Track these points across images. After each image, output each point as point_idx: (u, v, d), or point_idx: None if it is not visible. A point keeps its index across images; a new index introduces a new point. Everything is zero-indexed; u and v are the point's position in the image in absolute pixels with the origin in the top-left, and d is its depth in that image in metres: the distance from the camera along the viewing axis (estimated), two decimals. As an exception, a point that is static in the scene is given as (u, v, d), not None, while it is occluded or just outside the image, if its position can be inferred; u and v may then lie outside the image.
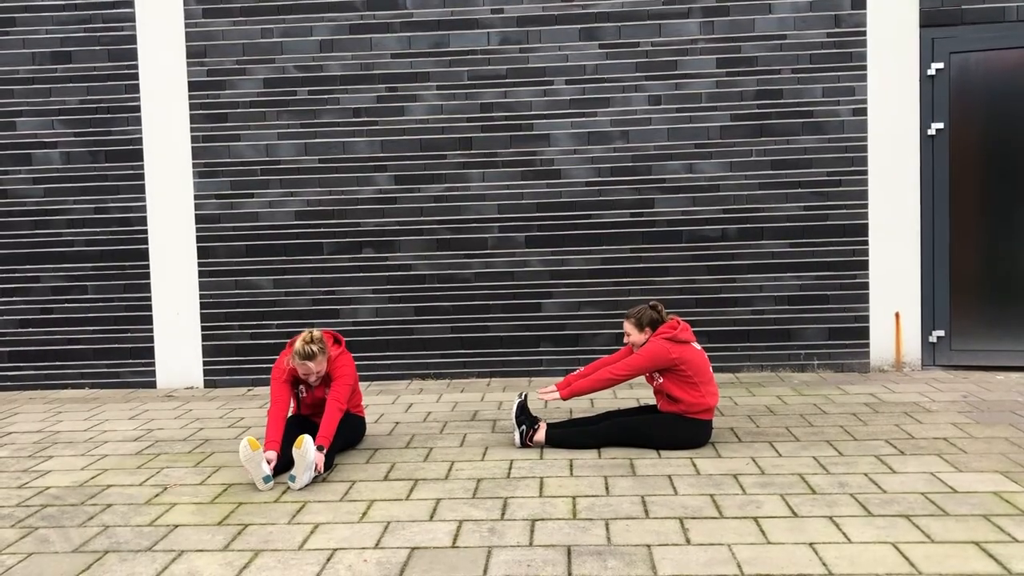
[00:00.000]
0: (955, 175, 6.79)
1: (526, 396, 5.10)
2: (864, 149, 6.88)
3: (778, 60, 6.89)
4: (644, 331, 4.93)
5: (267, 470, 4.37)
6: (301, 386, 4.94)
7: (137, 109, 7.17)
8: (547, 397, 4.97)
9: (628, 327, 4.98)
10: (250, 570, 3.37)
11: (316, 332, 4.76)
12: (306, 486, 4.37)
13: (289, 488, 4.35)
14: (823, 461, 4.54)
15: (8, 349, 7.31)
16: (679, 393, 4.81)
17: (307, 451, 4.33)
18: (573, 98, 7.00)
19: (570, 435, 4.94)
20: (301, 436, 4.36)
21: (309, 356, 4.66)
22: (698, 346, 4.92)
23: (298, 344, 4.67)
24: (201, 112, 7.13)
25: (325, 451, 4.51)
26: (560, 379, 5.31)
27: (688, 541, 3.52)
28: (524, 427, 4.94)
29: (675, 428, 4.83)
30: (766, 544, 3.46)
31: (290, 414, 4.89)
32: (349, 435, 4.98)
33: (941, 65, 6.74)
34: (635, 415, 5.07)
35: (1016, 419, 5.28)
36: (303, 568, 3.37)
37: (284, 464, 4.50)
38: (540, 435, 4.92)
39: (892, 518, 3.70)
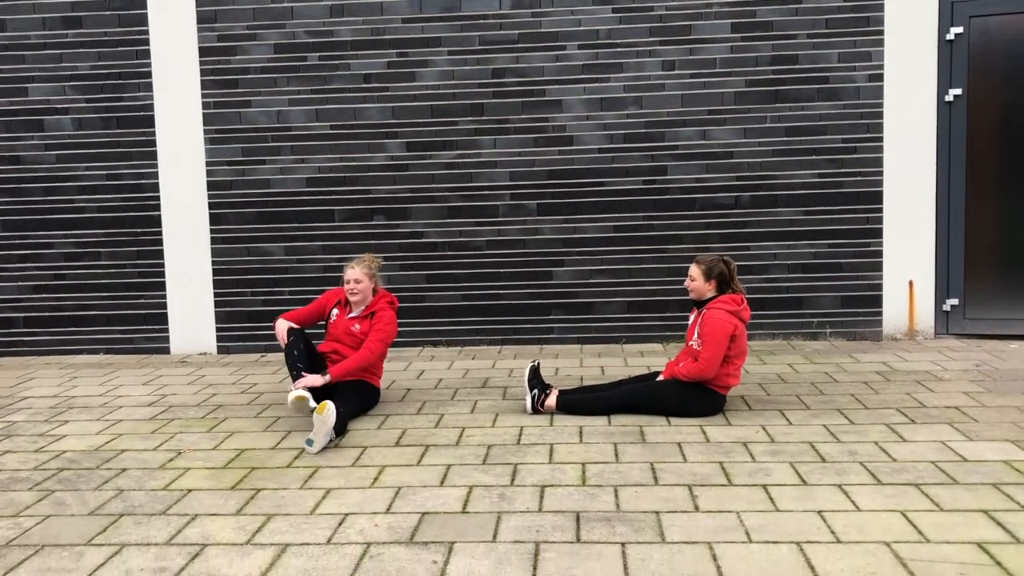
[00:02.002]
0: (972, 142, 6.70)
1: (539, 362, 5.11)
2: (880, 116, 6.79)
3: (794, 25, 6.79)
4: (709, 283, 4.86)
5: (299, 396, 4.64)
6: (335, 310, 5.23)
7: (148, 75, 7.15)
8: (550, 399, 4.96)
9: (695, 272, 4.88)
10: (263, 534, 3.41)
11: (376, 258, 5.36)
12: (321, 451, 4.41)
13: (304, 452, 4.39)
14: (833, 429, 4.54)
15: (23, 315, 7.37)
16: None
17: (328, 418, 4.38)
18: (586, 63, 6.93)
19: (582, 401, 4.95)
20: (324, 402, 4.42)
21: (359, 261, 5.17)
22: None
23: (349, 264, 5.19)
24: (212, 78, 7.10)
25: (330, 380, 4.87)
26: (575, 347, 5.28)
27: (697, 508, 3.54)
28: (536, 392, 4.95)
29: (690, 397, 4.81)
30: (775, 512, 3.47)
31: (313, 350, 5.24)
32: (363, 402, 5.04)
33: (960, 29, 6.62)
34: (648, 382, 5.06)
35: (1029, 388, 5.26)
36: (315, 532, 3.41)
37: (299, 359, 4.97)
38: (551, 401, 4.94)
39: (901, 486, 3.70)
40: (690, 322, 5.01)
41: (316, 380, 4.86)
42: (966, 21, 6.62)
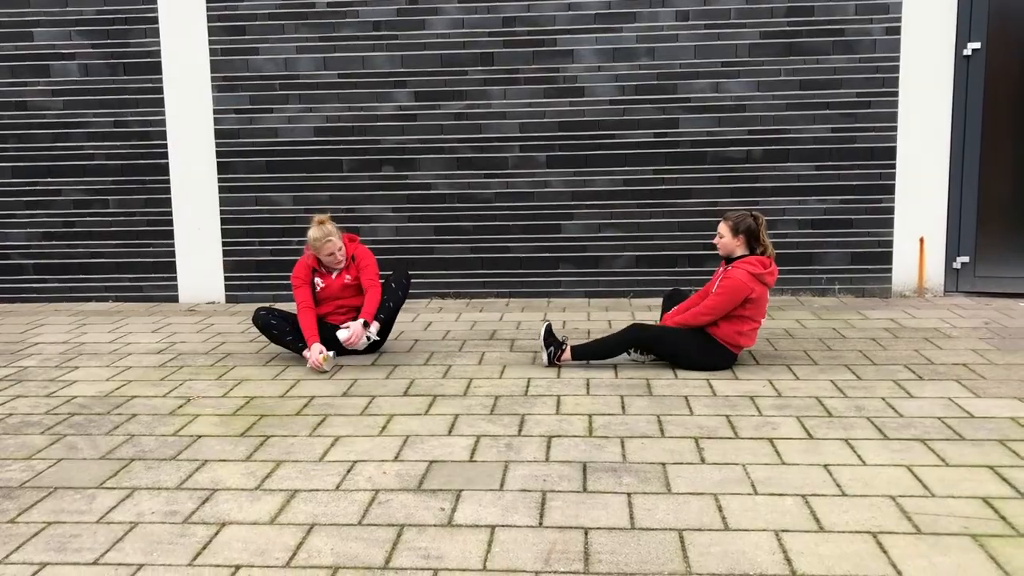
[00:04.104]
0: (990, 97, 6.60)
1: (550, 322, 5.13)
2: (896, 70, 6.69)
3: (811, -25, 6.66)
4: (738, 238, 4.80)
5: (323, 357, 4.96)
6: (317, 279, 5.28)
7: (155, 20, 7.06)
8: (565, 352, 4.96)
9: (723, 229, 4.84)
10: (272, 480, 3.45)
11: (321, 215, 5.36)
12: (330, 397, 4.44)
13: (311, 401, 4.42)
14: (840, 385, 4.54)
15: (33, 261, 7.39)
16: (723, 321, 4.80)
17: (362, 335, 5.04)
18: (598, 12, 6.82)
19: (594, 345, 4.95)
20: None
21: (327, 231, 5.16)
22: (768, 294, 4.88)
23: (314, 229, 5.18)
24: (219, 24, 7.01)
25: (370, 325, 5.16)
26: (583, 300, 5.31)
27: (703, 460, 3.56)
28: (552, 349, 4.96)
29: (703, 348, 4.80)
30: (781, 465, 3.49)
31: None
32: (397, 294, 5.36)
33: (981, -19, 6.49)
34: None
35: (1037, 347, 5.25)
36: (324, 479, 3.44)
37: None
38: (567, 354, 4.95)
39: (908, 441, 3.72)
40: (713, 274, 5.00)
41: (359, 332, 5.10)
42: (987, -27, 6.48)
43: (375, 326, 5.18)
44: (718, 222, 4.94)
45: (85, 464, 3.66)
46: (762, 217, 4.86)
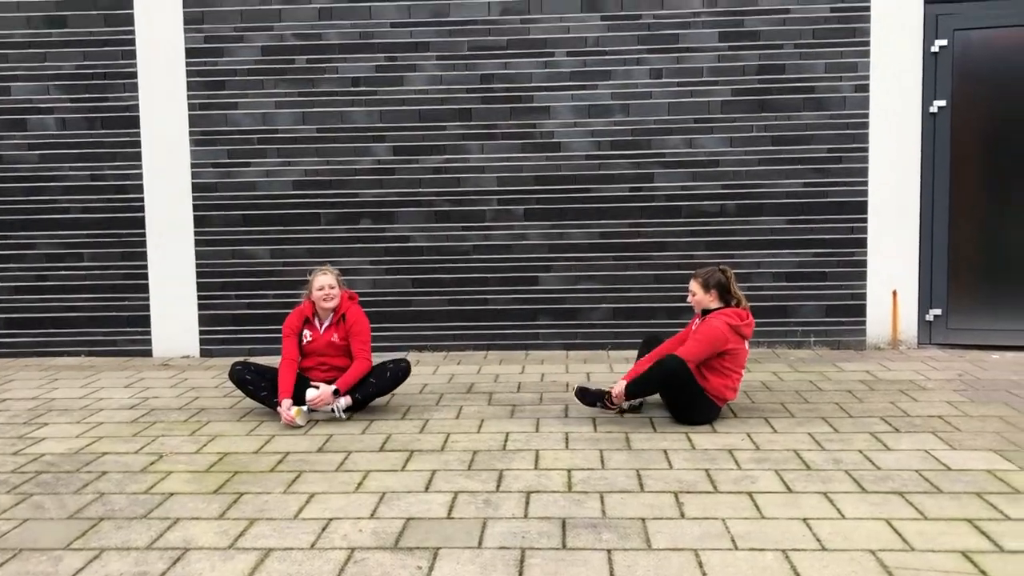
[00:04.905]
0: (956, 153, 6.76)
1: (577, 385, 5.14)
2: (865, 126, 6.84)
3: (781, 35, 6.83)
4: (710, 293, 4.87)
5: (296, 411, 4.93)
6: (307, 331, 5.24)
7: (134, 75, 7.09)
8: (615, 391, 4.90)
9: (694, 286, 4.91)
10: (245, 538, 3.38)
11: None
12: (305, 453, 4.38)
13: (288, 455, 4.36)
14: (818, 437, 4.55)
15: (3, 316, 7.29)
16: (706, 372, 4.81)
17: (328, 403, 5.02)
18: (574, 70, 6.94)
19: (640, 383, 4.84)
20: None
21: (325, 270, 5.27)
22: (747, 345, 4.91)
23: (316, 274, 5.27)
24: (198, 79, 7.06)
25: (341, 394, 5.07)
26: (561, 353, 5.29)
27: (682, 515, 3.53)
28: (599, 403, 4.96)
29: (701, 397, 4.80)
30: (760, 519, 3.47)
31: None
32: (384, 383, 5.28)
33: (945, 42, 6.68)
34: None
35: (1010, 398, 5.29)
36: (299, 537, 3.38)
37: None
38: (618, 388, 4.85)
39: (886, 495, 3.71)
40: (689, 323, 5.06)
41: (326, 397, 5.02)
42: (950, 34, 6.67)
43: (344, 400, 5.07)
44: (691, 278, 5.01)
45: (52, 524, 3.57)
46: (730, 270, 4.94)
